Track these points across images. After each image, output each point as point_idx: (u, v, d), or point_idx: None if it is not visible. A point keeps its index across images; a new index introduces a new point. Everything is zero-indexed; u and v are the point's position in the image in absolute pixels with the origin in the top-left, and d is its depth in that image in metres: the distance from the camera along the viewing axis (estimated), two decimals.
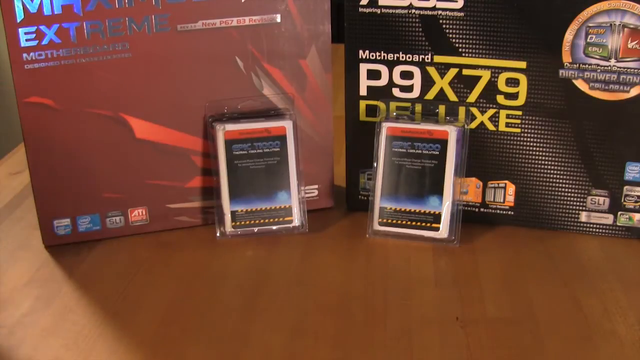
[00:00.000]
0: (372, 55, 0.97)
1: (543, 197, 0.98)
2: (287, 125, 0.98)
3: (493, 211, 1.00)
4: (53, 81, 0.91)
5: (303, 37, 0.97)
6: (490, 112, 0.96)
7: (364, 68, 0.98)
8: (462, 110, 0.97)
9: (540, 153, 0.96)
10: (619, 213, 0.96)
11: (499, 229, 1.00)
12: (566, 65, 0.91)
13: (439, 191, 0.96)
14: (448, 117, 0.97)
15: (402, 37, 0.96)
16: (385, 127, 0.97)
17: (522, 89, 0.94)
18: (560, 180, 0.96)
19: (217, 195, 0.99)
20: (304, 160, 1.01)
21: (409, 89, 0.98)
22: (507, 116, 0.96)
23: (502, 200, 1.00)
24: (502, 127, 0.96)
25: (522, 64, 0.93)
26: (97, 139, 0.95)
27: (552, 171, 0.96)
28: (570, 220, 0.98)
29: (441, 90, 0.97)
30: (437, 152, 0.95)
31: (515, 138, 0.96)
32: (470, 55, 0.94)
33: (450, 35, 0.94)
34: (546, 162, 0.96)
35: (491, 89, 0.95)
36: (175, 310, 0.85)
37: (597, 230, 0.98)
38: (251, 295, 0.87)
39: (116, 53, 0.92)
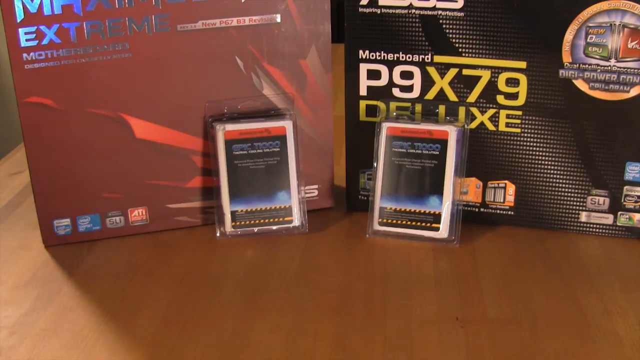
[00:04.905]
0: (372, 55, 0.97)
1: (543, 197, 0.98)
2: (287, 125, 0.98)
3: (493, 211, 1.00)
4: (53, 81, 0.91)
5: (303, 37, 0.97)
6: (490, 112, 0.96)
7: (364, 68, 0.98)
8: (462, 110, 0.97)
9: (540, 153, 0.96)
10: (619, 213, 0.96)
11: (499, 229, 1.00)
12: (566, 65, 0.91)
13: (439, 191, 0.96)
14: (448, 117, 0.97)
15: (402, 37, 0.96)
16: (385, 127, 0.97)
17: (522, 89, 0.94)
18: (560, 180, 0.96)
19: (217, 195, 0.99)
20: (304, 160, 1.01)
21: (409, 89, 0.98)
22: (507, 116, 0.96)
23: (502, 200, 1.00)
24: (502, 127, 0.96)
25: (522, 64, 0.93)
26: (97, 139, 0.95)
27: (552, 171, 0.96)
28: (570, 220, 0.98)
29: (441, 90, 0.97)
30: (437, 152, 0.95)
31: (515, 138, 0.96)
32: (470, 55, 0.94)
33: (450, 35, 0.94)
34: (546, 162, 0.96)
35: (491, 89, 0.95)
36: (175, 310, 0.85)
37: (597, 230, 0.98)
38: (251, 295, 0.87)
39: (116, 53, 0.92)
